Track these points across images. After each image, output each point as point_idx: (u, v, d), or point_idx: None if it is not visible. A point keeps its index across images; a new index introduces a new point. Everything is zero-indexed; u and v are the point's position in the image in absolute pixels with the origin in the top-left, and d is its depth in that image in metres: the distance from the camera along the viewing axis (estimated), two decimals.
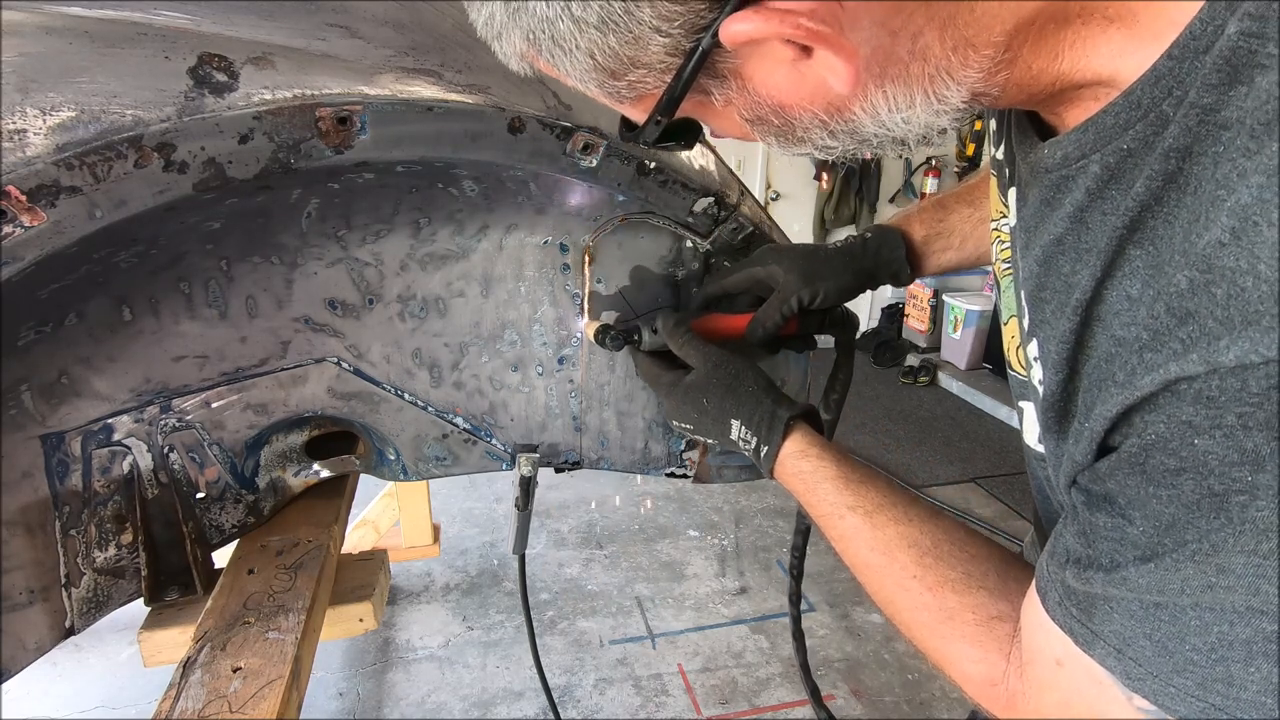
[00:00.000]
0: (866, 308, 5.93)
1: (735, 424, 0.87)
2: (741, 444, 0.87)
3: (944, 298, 5.43)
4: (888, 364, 5.61)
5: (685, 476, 1.30)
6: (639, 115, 0.52)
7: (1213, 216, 0.38)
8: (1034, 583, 0.55)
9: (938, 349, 5.55)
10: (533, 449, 1.24)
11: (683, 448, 1.28)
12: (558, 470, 1.27)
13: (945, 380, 5.30)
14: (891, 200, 5.85)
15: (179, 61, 0.74)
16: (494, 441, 1.23)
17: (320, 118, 0.78)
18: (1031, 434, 0.63)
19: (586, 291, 1.14)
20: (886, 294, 5.90)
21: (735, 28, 0.43)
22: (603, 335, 1.04)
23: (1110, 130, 0.46)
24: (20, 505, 0.92)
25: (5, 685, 0.91)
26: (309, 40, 0.82)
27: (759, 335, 0.98)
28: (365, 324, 1.12)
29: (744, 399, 0.87)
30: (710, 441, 0.94)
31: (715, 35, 0.44)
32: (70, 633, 0.99)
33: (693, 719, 2.52)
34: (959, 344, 5.30)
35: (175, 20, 0.78)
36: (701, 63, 0.46)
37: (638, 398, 1.25)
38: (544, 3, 0.44)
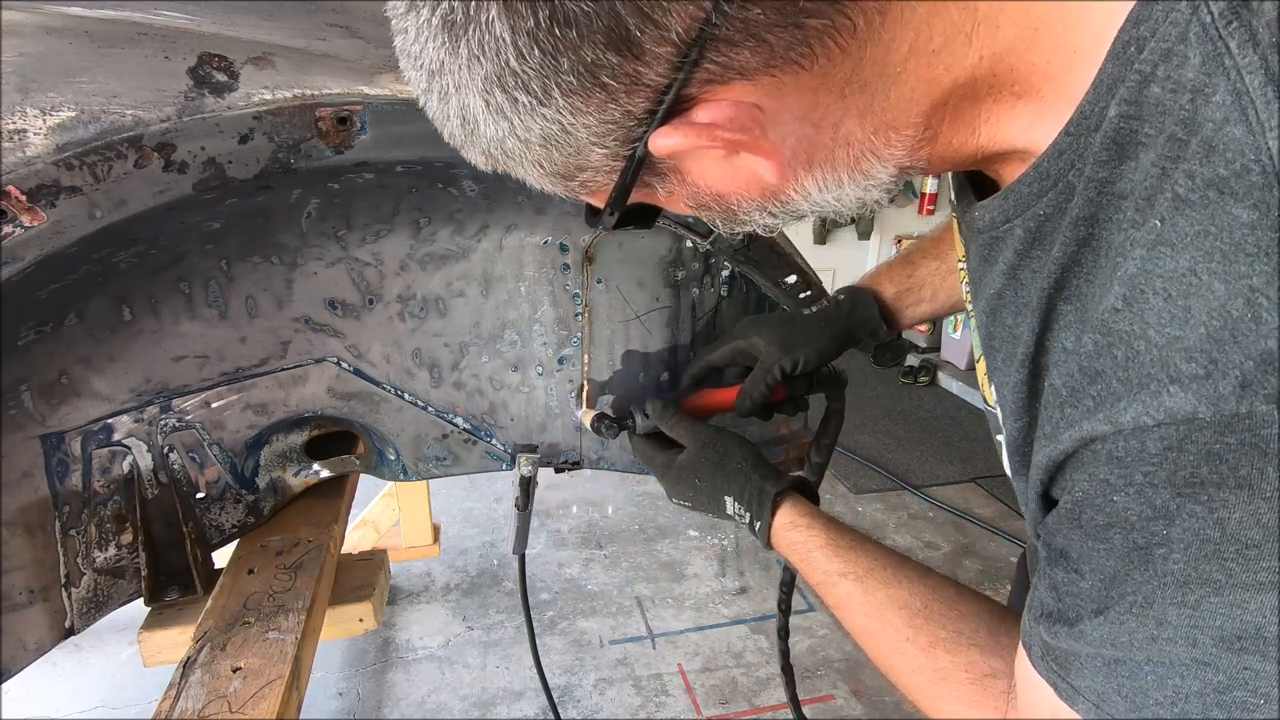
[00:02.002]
0: None
1: (729, 500, 0.92)
2: (737, 519, 0.92)
3: None
4: (888, 364, 5.58)
5: None
6: (599, 203, 0.56)
7: (1110, 282, 0.41)
8: (1021, 636, 0.56)
9: (938, 349, 5.55)
10: (533, 449, 1.24)
11: None
12: (558, 470, 1.27)
13: (945, 380, 5.30)
14: (891, 201, 5.84)
15: (179, 61, 0.74)
16: (494, 441, 1.23)
17: (320, 118, 0.78)
18: (1009, 466, 0.64)
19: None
20: None
21: (660, 142, 0.46)
22: (599, 424, 1.09)
23: (1027, 197, 0.48)
24: (20, 505, 0.92)
25: (5, 685, 0.91)
26: (309, 40, 0.82)
27: (747, 407, 1.03)
28: (365, 324, 1.12)
29: (733, 476, 0.92)
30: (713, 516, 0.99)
31: (646, 146, 0.47)
32: (70, 633, 0.99)
33: (693, 719, 2.52)
34: (959, 344, 5.30)
35: (175, 20, 0.78)
36: (639, 168, 0.50)
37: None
38: (492, 126, 0.48)
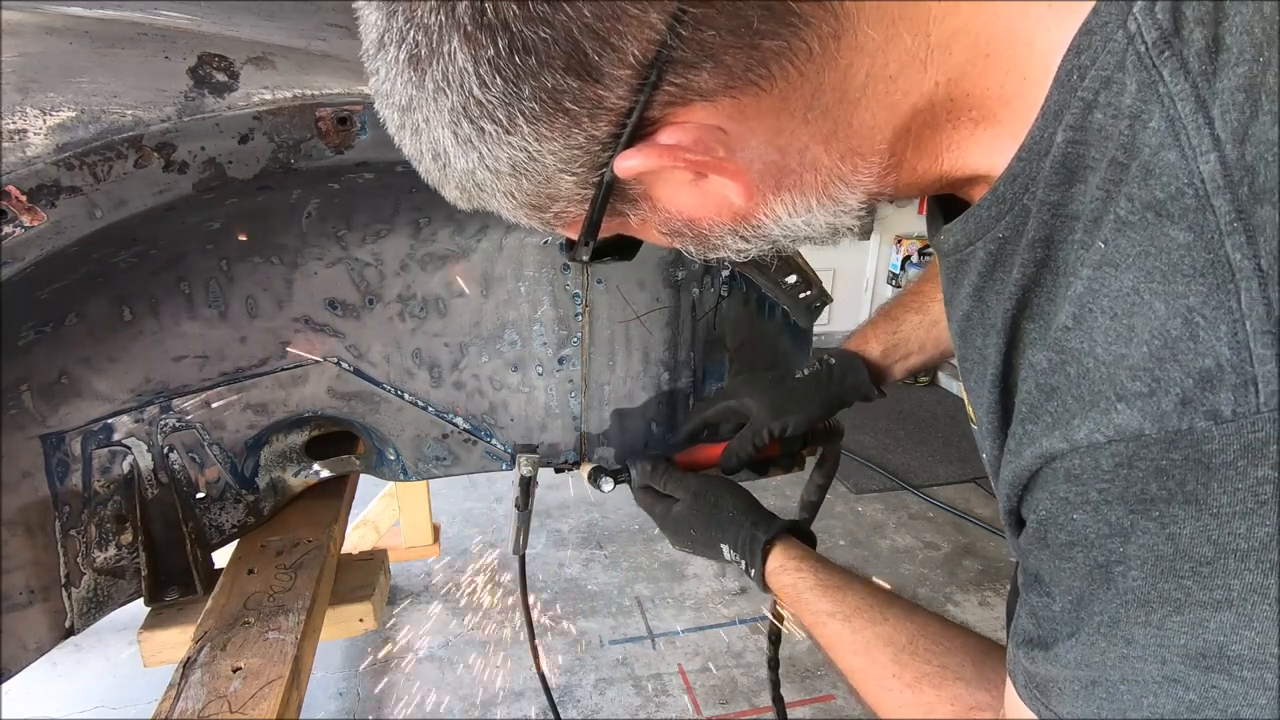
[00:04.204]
0: (866, 309, 5.93)
1: (724, 547, 0.95)
2: (734, 564, 0.95)
3: None
4: None
5: None
6: (574, 235, 0.56)
7: (1061, 301, 0.42)
8: (1007, 665, 0.56)
9: None
10: (533, 449, 1.24)
11: None
12: (558, 470, 1.27)
13: (945, 380, 5.30)
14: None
15: (179, 61, 0.74)
16: (494, 441, 1.23)
17: (320, 118, 0.78)
18: (994, 484, 0.64)
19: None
20: (886, 293, 5.89)
21: (627, 164, 0.47)
22: (595, 477, 1.14)
23: (986, 221, 0.49)
24: (20, 505, 0.92)
25: (5, 685, 0.91)
26: (309, 40, 0.82)
27: (733, 464, 1.06)
28: (365, 324, 1.12)
29: (726, 524, 0.95)
30: (712, 561, 1.03)
31: (613, 171, 0.48)
32: (70, 633, 0.99)
33: (693, 719, 2.52)
34: None
35: (175, 20, 0.78)
36: (609, 194, 0.50)
37: (638, 398, 1.25)
38: (462, 158, 0.48)
